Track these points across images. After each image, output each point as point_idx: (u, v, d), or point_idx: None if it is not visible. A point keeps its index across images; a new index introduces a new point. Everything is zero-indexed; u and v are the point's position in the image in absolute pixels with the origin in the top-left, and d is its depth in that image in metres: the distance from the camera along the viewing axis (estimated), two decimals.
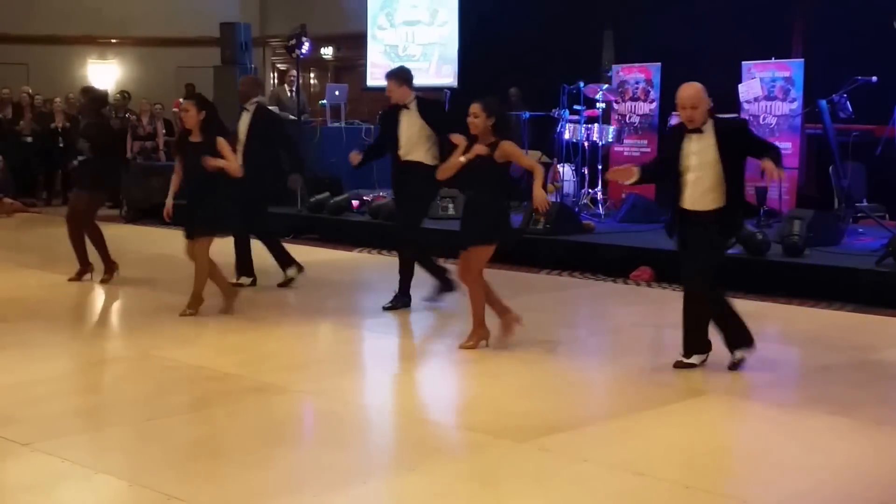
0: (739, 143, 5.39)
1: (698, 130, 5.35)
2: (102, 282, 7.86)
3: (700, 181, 5.29)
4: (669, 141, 5.67)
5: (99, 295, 7.92)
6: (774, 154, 5.31)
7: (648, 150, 10.81)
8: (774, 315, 7.12)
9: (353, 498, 3.74)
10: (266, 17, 17.91)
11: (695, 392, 5.09)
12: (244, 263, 7.78)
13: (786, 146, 9.99)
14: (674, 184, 5.41)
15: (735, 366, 5.42)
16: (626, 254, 8.42)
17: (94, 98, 8.05)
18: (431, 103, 7.24)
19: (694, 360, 5.42)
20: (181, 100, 6.82)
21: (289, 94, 13.08)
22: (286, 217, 11.10)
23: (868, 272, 7.39)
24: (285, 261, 7.78)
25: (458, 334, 6.40)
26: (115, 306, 7.69)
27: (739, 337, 5.46)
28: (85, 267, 7.95)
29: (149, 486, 3.76)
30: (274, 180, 8.34)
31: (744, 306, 7.27)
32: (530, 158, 5.78)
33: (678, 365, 5.41)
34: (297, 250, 10.00)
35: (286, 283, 7.74)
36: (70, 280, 7.88)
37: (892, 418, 4.73)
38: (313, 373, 5.49)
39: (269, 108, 8.25)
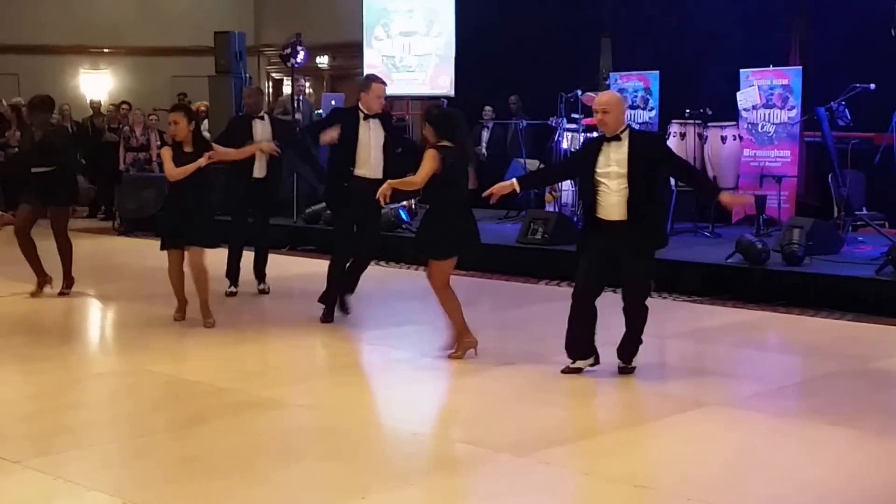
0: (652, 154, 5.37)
1: (616, 138, 5.35)
2: (61, 294, 7.79)
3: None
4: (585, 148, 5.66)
5: (91, 309, 7.86)
6: (705, 178, 5.27)
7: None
8: (774, 325, 7.08)
9: None
10: (261, 26, 17.88)
11: (695, 403, 5.04)
12: (236, 271, 7.97)
13: (785, 154, 9.98)
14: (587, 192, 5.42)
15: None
16: None
17: (41, 105, 7.77)
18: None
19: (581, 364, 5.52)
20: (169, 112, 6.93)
21: (296, 103, 13.02)
22: (282, 228, 11.05)
23: (868, 281, 7.35)
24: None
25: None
26: (109, 320, 7.62)
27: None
28: (43, 278, 7.84)
29: None
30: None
31: (744, 316, 7.28)
32: (419, 173, 5.63)
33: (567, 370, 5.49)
34: (292, 262, 10.00)
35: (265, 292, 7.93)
36: (32, 295, 7.75)
37: (894, 428, 4.68)
38: (310, 387, 5.43)
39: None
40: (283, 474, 4.06)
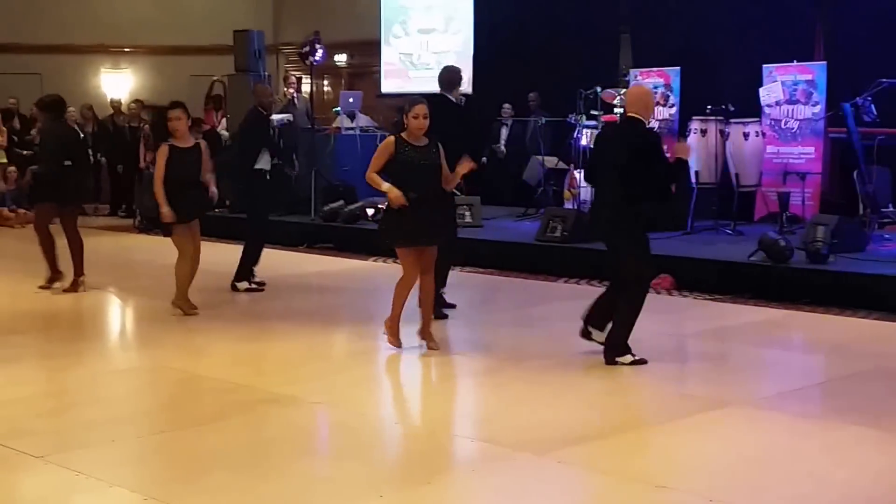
0: None
1: None
2: (66, 291, 7.84)
3: None
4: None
5: (110, 306, 7.89)
6: None
7: (668, 155, 10.66)
8: (798, 323, 7.01)
9: None
10: (279, 25, 17.91)
11: (717, 403, 4.99)
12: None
13: (809, 151, 9.87)
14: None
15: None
16: None
17: (49, 106, 7.93)
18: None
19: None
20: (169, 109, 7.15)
21: (289, 98, 12.98)
22: (300, 226, 11.06)
23: (894, 279, 7.25)
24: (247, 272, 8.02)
25: (474, 346, 6.33)
26: (127, 317, 7.66)
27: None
28: (55, 274, 7.95)
29: (162, 499, 3.71)
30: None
31: (767, 314, 7.21)
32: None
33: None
34: (310, 259, 10.01)
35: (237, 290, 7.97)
36: (41, 287, 7.87)
37: None
38: (328, 384, 5.42)
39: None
40: (300, 471, 4.05)
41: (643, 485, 3.90)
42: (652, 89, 5.99)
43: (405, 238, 5.88)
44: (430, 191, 5.78)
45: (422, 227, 5.79)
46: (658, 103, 10.81)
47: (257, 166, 7.90)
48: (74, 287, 7.84)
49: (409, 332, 6.21)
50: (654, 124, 10.92)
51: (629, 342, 5.62)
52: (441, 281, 6.90)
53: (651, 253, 5.76)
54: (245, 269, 7.92)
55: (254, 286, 7.91)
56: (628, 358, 5.61)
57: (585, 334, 5.80)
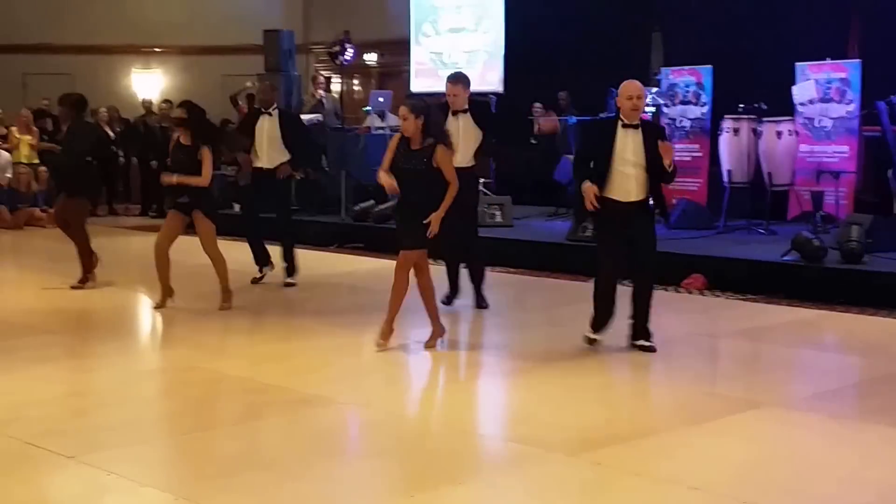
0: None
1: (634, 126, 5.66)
2: (74, 288, 7.92)
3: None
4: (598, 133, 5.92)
5: (140, 306, 7.95)
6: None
7: (700, 154, 10.59)
8: (832, 324, 6.93)
9: None
10: (309, 24, 17.97)
11: (750, 404, 4.94)
12: (261, 254, 8.31)
13: (843, 149, 9.74)
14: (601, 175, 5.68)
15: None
16: (677, 261, 8.22)
17: (72, 104, 8.07)
18: (480, 105, 7.47)
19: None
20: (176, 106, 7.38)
21: (318, 99, 13.01)
22: (330, 226, 11.09)
23: None
24: (291, 265, 8.25)
25: (505, 346, 6.31)
26: (158, 317, 7.69)
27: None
28: (87, 274, 8.06)
29: (193, 499, 3.72)
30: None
31: (800, 315, 7.13)
32: (453, 173, 5.84)
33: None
34: (341, 259, 10.03)
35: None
36: (73, 287, 7.94)
37: None
38: (358, 384, 5.42)
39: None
40: (332, 472, 4.05)
41: (677, 486, 3.87)
42: (642, 86, 5.82)
43: (396, 237, 6.05)
44: (411, 196, 5.82)
45: (400, 231, 5.94)
46: (689, 102, 10.73)
47: (256, 164, 8.11)
48: (82, 283, 8.00)
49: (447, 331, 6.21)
50: (686, 123, 10.85)
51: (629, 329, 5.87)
52: (454, 279, 7.21)
53: (607, 245, 5.88)
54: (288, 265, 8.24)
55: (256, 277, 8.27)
56: (587, 332, 5.87)
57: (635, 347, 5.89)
